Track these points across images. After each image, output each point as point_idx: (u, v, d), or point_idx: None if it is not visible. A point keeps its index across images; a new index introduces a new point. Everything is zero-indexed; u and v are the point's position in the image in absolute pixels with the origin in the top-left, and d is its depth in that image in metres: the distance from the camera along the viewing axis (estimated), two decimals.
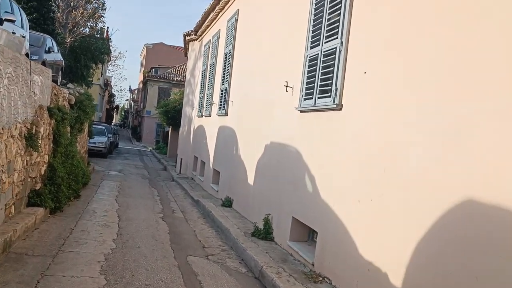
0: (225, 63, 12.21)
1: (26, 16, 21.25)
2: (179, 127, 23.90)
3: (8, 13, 8.74)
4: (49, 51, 12.52)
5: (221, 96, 12.21)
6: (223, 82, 12.20)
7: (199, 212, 10.06)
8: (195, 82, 17.72)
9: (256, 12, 10.04)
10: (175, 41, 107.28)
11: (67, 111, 9.19)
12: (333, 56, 5.46)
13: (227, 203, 9.96)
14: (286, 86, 6.86)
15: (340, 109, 5.20)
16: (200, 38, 17.44)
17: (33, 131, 6.76)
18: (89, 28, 31.41)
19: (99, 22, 32.22)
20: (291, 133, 6.74)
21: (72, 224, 7.24)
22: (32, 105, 6.81)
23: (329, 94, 5.45)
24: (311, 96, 5.96)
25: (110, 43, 35.84)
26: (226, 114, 11.48)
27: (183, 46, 21.55)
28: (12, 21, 8.92)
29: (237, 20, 11.39)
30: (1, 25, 8.51)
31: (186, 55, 22.23)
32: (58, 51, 14.42)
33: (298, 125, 6.49)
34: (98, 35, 32.29)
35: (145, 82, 49.06)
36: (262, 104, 8.49)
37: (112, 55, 48.55)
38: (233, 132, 10.58)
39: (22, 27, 10.20)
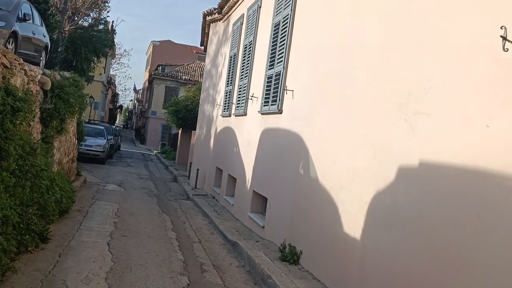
0: (275, 38, 8.34)
1: None
2: (191, 129, 20.10)
3: None
4: (24, 19, 8.71)
5: (268, 86, 8.33)
6: (271, 65, 8.32)
7: (242, 267, 6.18)
8: (218, 73, 13.82)
9: None
10: (183, 41, 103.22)
11: (28, 99, 5.33)
12: None
13: (291, 256, 6.03)
14: (504, 39, 2.96)
15: None
16: (226, 17, 13.55)
17: None
18: (91, 18, 27.75)
19: (103, 11, 28.54)
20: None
21: None
22: None
23: None
24: None
25: (114, 35, 32.23)
26: (279, 111, 7.60)
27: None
28: None
29: None
30: None
31: (203, 43, 18.33)
32: (41, 25, 10.61)
33: None
34: (102, 27, 28.58)
35: (151, 80, 45.23)
36: (389, 92, 4.60)
37: (116, 53, 44.88)
38: (298, 139, 6.69)
39: None
